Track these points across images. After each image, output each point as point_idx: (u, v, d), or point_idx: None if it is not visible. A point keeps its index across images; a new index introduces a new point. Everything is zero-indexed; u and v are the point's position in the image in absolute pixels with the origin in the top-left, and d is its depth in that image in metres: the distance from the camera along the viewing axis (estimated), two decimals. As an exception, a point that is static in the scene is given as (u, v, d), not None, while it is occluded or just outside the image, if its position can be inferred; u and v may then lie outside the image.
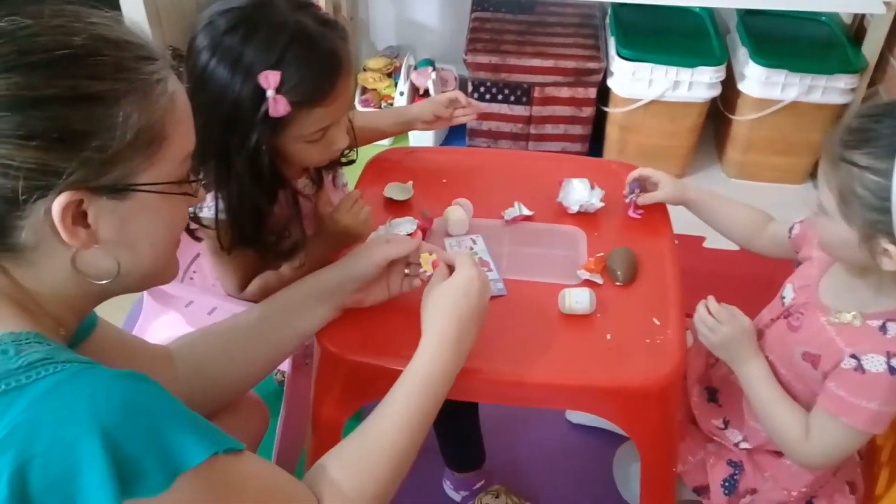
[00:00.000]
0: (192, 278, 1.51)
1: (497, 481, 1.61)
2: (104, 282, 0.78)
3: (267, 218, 1.20)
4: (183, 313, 1.38)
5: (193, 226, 1.20)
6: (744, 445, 1.24)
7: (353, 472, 0.87)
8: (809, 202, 1.08)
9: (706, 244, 2.34)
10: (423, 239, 1.12)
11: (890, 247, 0.97)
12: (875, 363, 1.02)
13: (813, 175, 2.60)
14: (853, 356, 1.04)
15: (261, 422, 1.21)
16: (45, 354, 0.69)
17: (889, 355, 1.02)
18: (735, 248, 2.31)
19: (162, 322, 1.39)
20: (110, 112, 0.71)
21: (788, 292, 1.20)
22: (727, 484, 1.23)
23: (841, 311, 1.09)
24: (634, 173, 1.37)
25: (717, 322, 1.16)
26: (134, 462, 0.66)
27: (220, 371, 1.06)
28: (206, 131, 1.09)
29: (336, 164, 1.34)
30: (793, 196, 2.57)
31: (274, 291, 1.29)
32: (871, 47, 2.32)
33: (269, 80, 1.05)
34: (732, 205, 1.41)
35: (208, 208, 1.17)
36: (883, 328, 1.04)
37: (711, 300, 1.18)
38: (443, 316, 0.99)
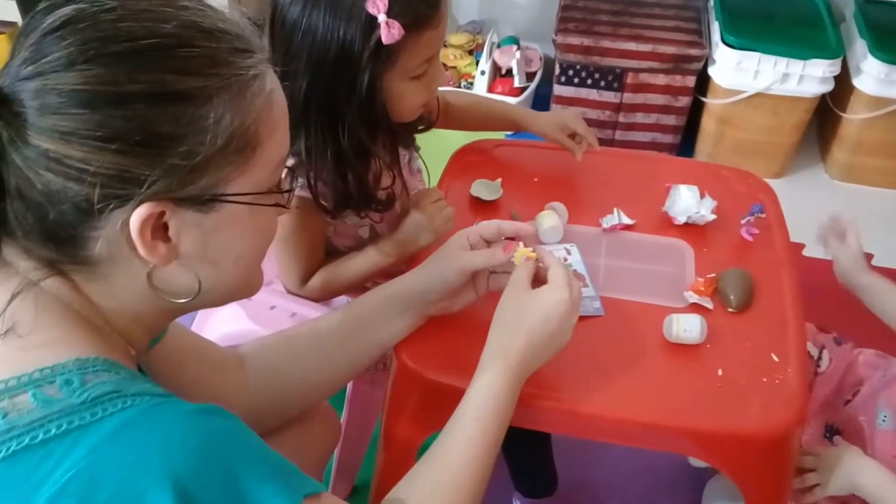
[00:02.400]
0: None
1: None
2: (183, 300, 0.70)
3: (370, 167, 1.14)
4: (244, 306, 1.30)
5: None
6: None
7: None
8: None
9: (806, 252, 2.18)
10: (514, 244, 1.01)
11: None
12: None
13: (926, 182, 2.40)
14: None
15: (333, 433, 1.14)
16: (114, 387, 0.61)
17: None
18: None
19: (222, 315, 1.31)
20: (201, 113, 0.62)
21: None
22: None
23: None
24: (844, 220, 1.26)
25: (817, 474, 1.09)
26: None
27: (294, 379, 0.99)
28: (310, 87, 1.03)
29: (414, 129, 1.24)
30: (903, 203, 2.38)
31: (337, 288, 1.24)
32: None
33: (379, 4, 0.99)
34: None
35: (299, 186, 1.10)
36: None
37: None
38: (515, 333, 0.89)
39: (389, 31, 1.00)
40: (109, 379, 0.62)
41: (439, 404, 1.03)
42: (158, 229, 0.64)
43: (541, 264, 0.96)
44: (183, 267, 0.68)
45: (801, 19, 2.29)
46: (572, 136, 1.36)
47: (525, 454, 1.41)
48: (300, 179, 1.10)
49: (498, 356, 0.88)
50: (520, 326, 0.89)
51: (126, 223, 0.62)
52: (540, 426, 1.07)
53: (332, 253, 1.26)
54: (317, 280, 1.22)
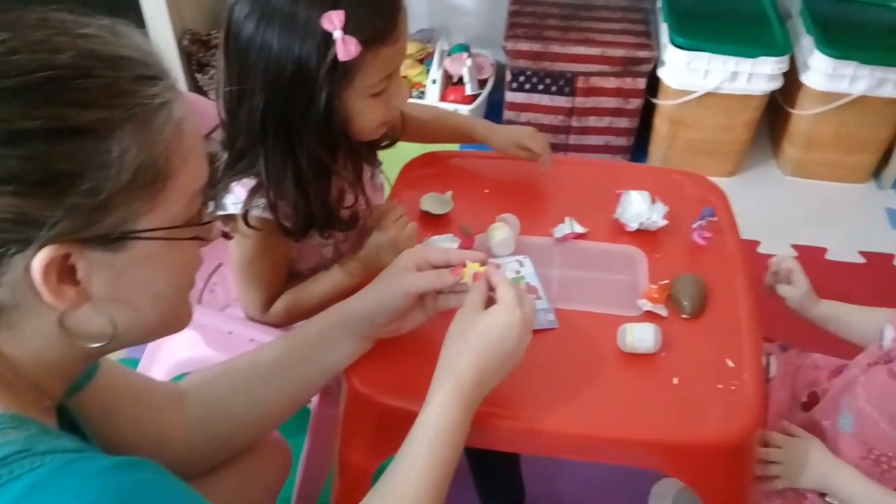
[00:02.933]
0: (213, 290, 1.39)
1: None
2: (98, 344, 0.66)
3: (331, 186, 1.11)
4: (200, 331, 1.26)
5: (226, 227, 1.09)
6: (830, 500, 1.10)
7: None
8: None
9: (760, 249, 2.19)
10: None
11: None
12: None
13: (876, 174, 2.43)
14: None
15: (283, 465, 1.09)
16: (22, 445, 0.57)
17: None
18: (792, 254, 2.18)
19: (176, 342, 1.27)
20: (103, 147, 0.59)
21: (888, 333, 1.06)
22: None
23: None
24: (775, 263, 1.26)
25: (788, 448, 1.09)
26: None
27: (238, 412, 0.95)
28: (266, 105, 1.00)
29: (377, 146, 1.23)
30: (856, 196, 2.42)
31: (301, 312, 1.20)
32: (951, 37, 2.13)
33: (335, 20, 0.96)
34: (858, 311, 1.25)
35: (261, 207, 1.06)
36: None
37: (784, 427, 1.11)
38: (465, 357, 0.86)
39: (346, 48, 0.97)
40: (17, 437, 0.58)
41: (393, 429, 1.00)
42: (65, 272, 0.60)
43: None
44: (96, 310, 0.64)
45: (748, 18, 2.30)
46: (527, 152, 1.34)
47: (491, 469, 1.39)
48: (262, 200, 1.07)
49: (450, 381, 0.85)
50: (472, 350, 0.86)
51: (28, 268, 0.58)
52: (496, 445, 1.05)
53: (294, 275, 1.22)
54: (280, 305, 1.19)
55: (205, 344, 1.28)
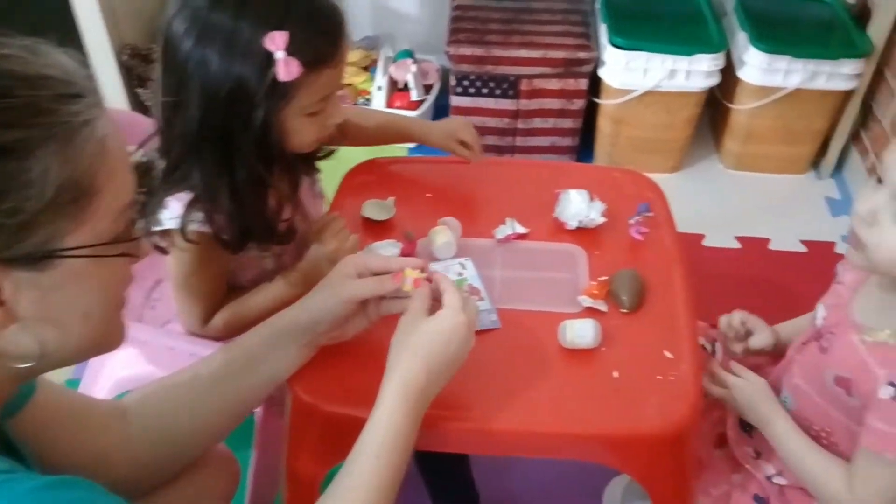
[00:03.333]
0: (153, 307, 1.38)
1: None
2: (27, 365, 0.65)
3: (267, 201, 1.11)
4: (141, 348, 1.25)
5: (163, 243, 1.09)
6: (777, 480, 1.14)
7: None
8: (868, 213, 0.94)
9: (705, 242, 2.23)
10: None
11: None
12: None
13: (815, 165, 2.50)
14: (891, 384, 0.94)
15: (230, 478, 1.08)
16: None
17: None
18: (736, 245, 2.24)
19: (115, 362, 1.26)
20: (24, 166, 0.58)
21: (821, 312, 1.10)
22: None
23: (875, 328, 0.99)
24: (735, 317, 1.24)
25: (735, 382, 1.13)
26: None
27: (181, 427, 0.95)
28: (203, 120, 1.00)
29: (314, 158, 1.23)
30: (796, 187, 2.48)
31: (242, 325, 1.18)
32: (878, 30, 2.19)
33: (278, 41, 0.96)
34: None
35: (198, 221, 1.06)
36: None
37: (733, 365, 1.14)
38: (412, 362, 0.87)
39: (287, 69, 0.97)
40: None
41: (339, 436, 1.00)
42: None
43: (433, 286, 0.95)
44: (23, 330, 0.63)
45: (684, 17, 2.35)
46: (463, 144, 1.36)
47: (439, 470, 1.40)
48: (198, 214, 1.06)
49: (397, 386, 0.86)
50: (418, 357, 0.87)
51: None
52: (444, 447, 1.06)
53: (235, 287, 1.22)
54: (220, 318, 1.18)
55: (146, 361, 1.27)
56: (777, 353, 1.22)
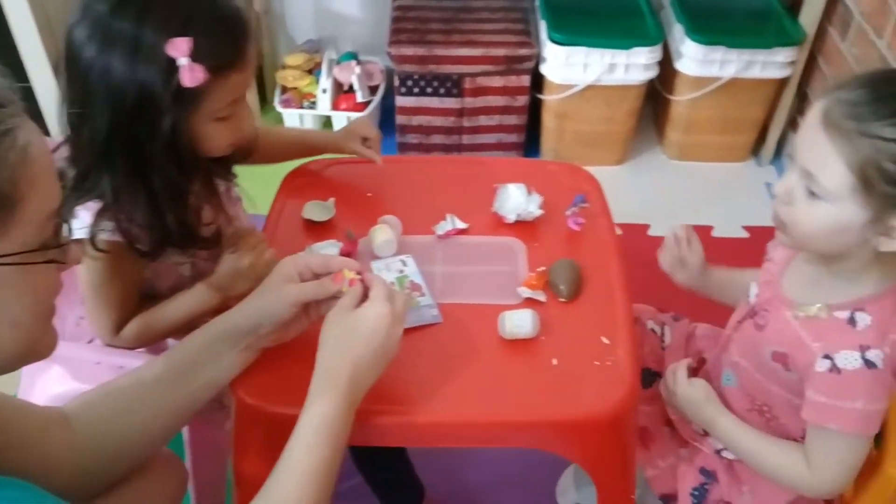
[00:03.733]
0: (79, 324, 1.34)
1: (449, 512, 1.52)
2: None
3: (187, 207, 1.11)
4: (67, 367, 1.24)
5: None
6: (726, 454, 1.17)
7: None
8: (784, 193, 0.98)
9: (650, 232, 2.27)
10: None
11: None
12: (850, 360, 0.97)
13: (755, 152, 2.56)
14: (826, 356, 0.98)
15: (178, 481, 1.08)
16: None
17: (862, 349, 0.96)
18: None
19: (47, 378, 1.24)
20: None
21: (753, 290, 1.14)
22: (696, 493, 1.16)
23: (806, 303, 1.03)
24: (677, 230, 1.29)
25: (681, 383, 1.15)
26: None
27: (124, 432, 0.95)
28: (110, 127, 0.99)
29: (231, 162, 1.23)
30: (736, 174, 2.53)
31: (153, 335, 1.20)
32: (809, 18, 2.26)
33: (181, 47, 0.96)
34: (743, 274, 1.29)
35: (108, 230, 1.06)
36: (851, 321, 0.99)
37: (679, 368, 1.17)
38: (339, 355, 0.90)
39: (192, 75, 0.97)
40: None
41: (283, 436, 1.00)
42: None
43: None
44: None
45: (621, 12, 2.39)
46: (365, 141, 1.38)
47: (373, 464, 1.41)
48: (109, 223, 1.06)
49: (326, 382, 0.88)
50: (345, 349, 0.89)
51: None
52: (385, 441, 1.07)
53: (152, 295, 1.21)
54: (132, 328, 1.17)
55: (76, 377, 1.25)
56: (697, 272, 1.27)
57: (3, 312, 0.67)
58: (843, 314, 0.99)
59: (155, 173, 1.04)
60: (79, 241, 1.06)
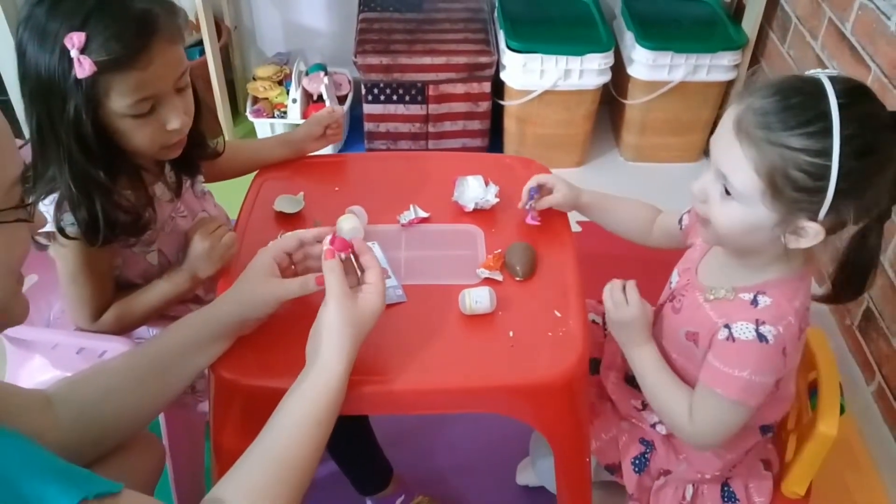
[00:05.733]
0: (60, 317, 1.41)
1: (419, 492, 1.58)
2: None
3: (111, 195, 1.14)
4: (49, 356, 1.29)
5: (45, 242, 1.15)
6: (661, 428, 1.25)
7: (253, 500, 0.83)
8: (699, 192, 1.04)
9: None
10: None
11: (809, 224, 0.96)
12: (744, 331, 1.03)
13: (706, 152, 2.67)
14: (726, 326, 1.05)
15: (156, 458, 1.14)
16: None
17: (758, 323, 1.02)
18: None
19: (31, 368, 1.31)
20: None
21: (675, 276, 1.22)
22: (637, 462, 1.24)
23: (716, 287, 1.10)
24: (531, 182, 1.32)
25: (623, 301, 1.16)
26: None
27: (108, 413, 1.00)
28: (36, 113, 1.06)
29: (197, 158, 1.29)
30: (690, 174, 2.60)
31: (131, 321, 1.26)
32: (751, 23, 2.39)
33: (74, 40, 1.01)
34: (623, 202, 1.41)
35: (72, 224, 1.12)
36: (754, 301, 1.05)
37: (630, 283, 1.19)
38: (351, 341, 0.96)
39: (81, 67, 1.02)
40: None
41: (261, 408, 1.07)
42: None
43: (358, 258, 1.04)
44: None
45: (575, 20, 2.50)
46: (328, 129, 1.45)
47: (350, 448, 1.47)
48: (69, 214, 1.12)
49: (339, 359, 0.94)
50: (355, 333, 0.96)
51: None
52: (361, 410, 1.14)
53: (124, 285, 1.27)
54: (111, 315, 1.23)
55: (57, 366, 1.32)
56: (568, 206, 1.33)
57: None
58: (748, 296, 1.06)
59: (72, 162, 1.09)
60: (48, 233, 1.13)
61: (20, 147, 1.08)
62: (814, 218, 0.95)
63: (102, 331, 1.24)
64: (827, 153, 0.91)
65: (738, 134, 0.96)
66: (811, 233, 0.96)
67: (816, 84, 0.94)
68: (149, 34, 1.06)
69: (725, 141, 0.98)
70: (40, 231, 1.11)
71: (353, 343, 0.96)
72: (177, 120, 1.14)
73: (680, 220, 1.29)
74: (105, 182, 1.12)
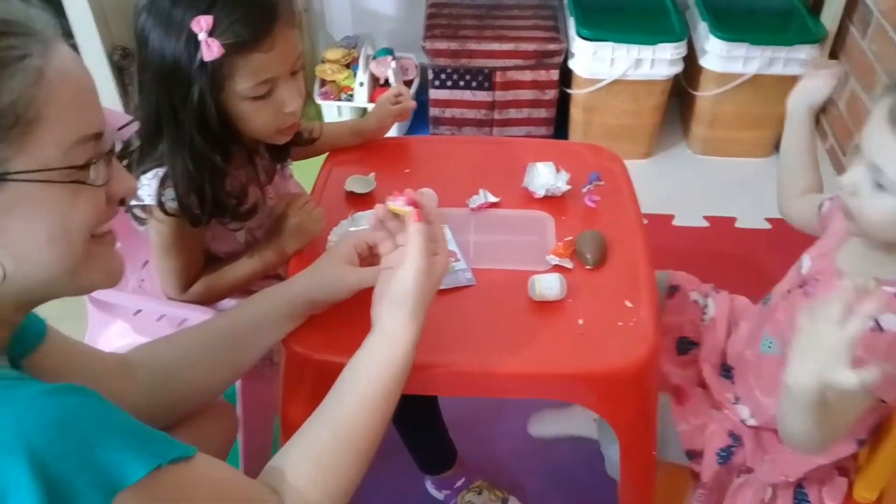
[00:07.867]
0: (140, 286, 1.46)
1: (479, 476, 1.59)
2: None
3: (225, 178, 1.18)
4: (131, 322, 1.33)
5: (143, 214, 1.18)
6: (751, 422, 1.22)
7: (318, 465, 0.84)
8: (850, 184, 1.02)
9: (675, 222, 2.34)
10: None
11: None
12: (892, 322, 0.99)
13: (778, 148, 2.60)
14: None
15: (229, 427, 1.17)
16: None
17: None
18: (704, 224, 2.35)
19: (111, 332, 1.35)
20: None
21: (805, 262, 1.19)
22: (723, 454, 1.22)
23: (856, 275, 1.04)
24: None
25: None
26: (66, 483, 0.62)
27: (185, 380, 1.02)
28: (156, 97, 1.09)
29: (293, 143, 1.31)
30: (760, 170, 2.59)
31: (219, 294, 1.29)
32: (830, 16, 2.32)
33: (202, 23, 1.04)
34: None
35: (172, 199, 1.15)
36: None
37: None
38: (421, 307, 0.93)
39: (209, 50, 1.05)
40: None
41: (330, 383, 1.09)
42: None
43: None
44: None
45: (647, 9, 2.46)
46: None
47: (418, 429, 1.49)
48: (172, 191, 1.15)
49: (410, 329, 0.92)
50: (426, 303, 0.93)
51: None
52: (427, 390, 1.14)
53: (211, 259, 1.31)
54: (199, 287, 1.27)
55: (136, 334, 1.36)
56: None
57: (30, 230, 0.69)
58: (892, 289, 1.02)
59: (189, 144, 1.12)
60: (147, 206, 1.17)
61: (121, 127, 1.09)
62: None
63: (191, 301, 1.28)
64: None
65: (892, 123, 0.95)
66: None
67: None
68: (272, 18, 1.09)
69: (878, 132, 0.97)
70: (135, 204, 1.15)
71: (423, 314, 0.94)
72: (294, 102, 1.16)
73: (820, 206, 1.24)
74: (222, 166, 1.16)
